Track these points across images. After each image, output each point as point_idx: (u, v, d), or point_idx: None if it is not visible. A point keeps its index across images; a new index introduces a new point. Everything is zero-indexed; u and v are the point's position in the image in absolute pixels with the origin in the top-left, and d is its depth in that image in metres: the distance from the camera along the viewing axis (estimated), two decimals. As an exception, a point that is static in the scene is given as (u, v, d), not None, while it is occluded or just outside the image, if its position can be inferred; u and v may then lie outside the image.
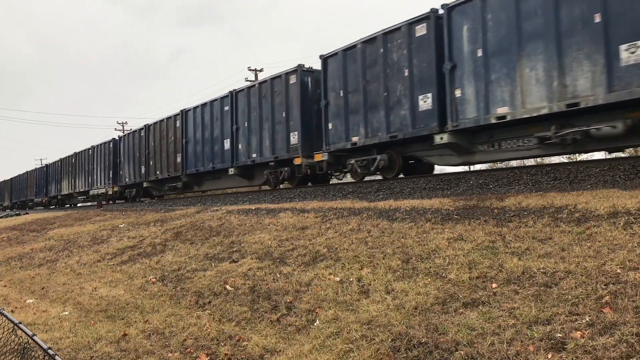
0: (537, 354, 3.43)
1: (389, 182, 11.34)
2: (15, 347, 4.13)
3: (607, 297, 3.84)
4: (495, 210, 6.74)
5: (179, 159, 19.49)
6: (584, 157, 19.50)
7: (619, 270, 4.18)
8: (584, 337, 3.43)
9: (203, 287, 6.92)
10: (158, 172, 21.11)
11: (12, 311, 7.15)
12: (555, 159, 18.33)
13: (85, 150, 29.19)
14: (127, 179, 24.08)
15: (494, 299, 4.37)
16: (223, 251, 8.41)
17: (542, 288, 4.29)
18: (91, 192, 27.75)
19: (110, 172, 25.61)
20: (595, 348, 3.29)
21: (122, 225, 14.43)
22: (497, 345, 3.66)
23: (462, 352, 3.69)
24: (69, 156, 31.94)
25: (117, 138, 25.91)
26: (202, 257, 8.46)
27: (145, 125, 22.43)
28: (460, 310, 4.35)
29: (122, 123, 56.37)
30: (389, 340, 4.16)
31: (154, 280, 7.92)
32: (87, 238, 13.61)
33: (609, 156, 10.25)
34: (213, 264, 7.86)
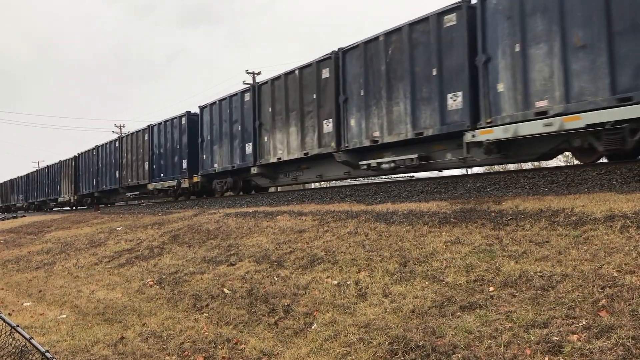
0: (533, 357, 3.44)
1: (387, 184, 11.35)
2: (13, 350, 4.12)
3: (604, 300, 3.85)
4: (493, 214, 6.75)
5: None
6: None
7: (615, 274, 4.20)
8: (580, 341, 3.45)
9: (200, 290, 6.91)
10: None
11: (9, 314, 7.13)
12: (553, 162, 18.30)
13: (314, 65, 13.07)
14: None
15: (491, 302, 4.38)
16: (220, 254, 8.41)
17: (539, 291, 4.31)
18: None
19: None
20: (591, 351, 3.30)
21: (119, 228, 14.42)
22: (494, 348, 3.67)
23: (459, 355, 3.70)
24: (246, 89, 16.18)
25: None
26: (199, 260, 8.45)
27: None
28: (458, 314, 4.36)
29: (120, 125, 56.61)
30: (387, 343, 4.17)
31: (151, 283, 7.91)
32: (85, 241, 13.58)
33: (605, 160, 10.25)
34: (210, 267, 7.85)
